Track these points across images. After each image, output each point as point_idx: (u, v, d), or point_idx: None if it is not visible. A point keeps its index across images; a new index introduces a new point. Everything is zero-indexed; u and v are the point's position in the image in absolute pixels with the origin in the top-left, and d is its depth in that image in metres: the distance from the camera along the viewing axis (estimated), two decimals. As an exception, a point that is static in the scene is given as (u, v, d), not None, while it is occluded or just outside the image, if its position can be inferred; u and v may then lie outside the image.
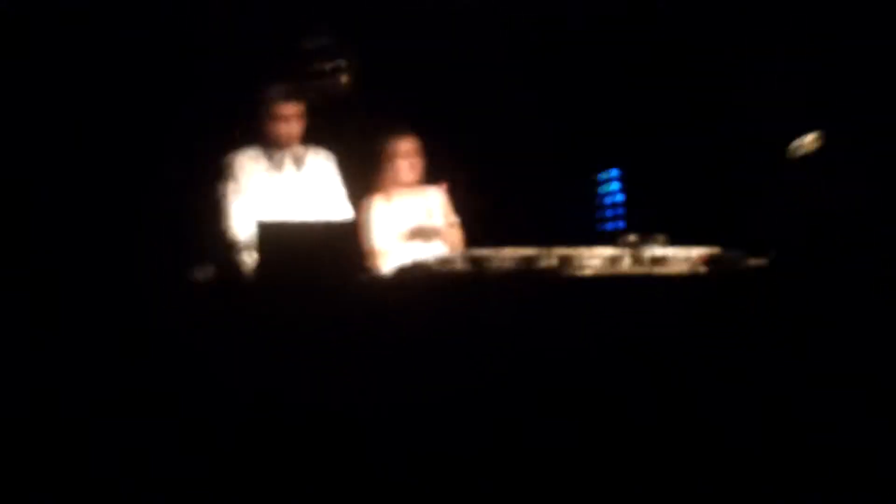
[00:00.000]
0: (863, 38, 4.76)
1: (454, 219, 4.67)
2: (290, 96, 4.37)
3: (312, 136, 4.50)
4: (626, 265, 3.68)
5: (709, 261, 3.65)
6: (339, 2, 4.89)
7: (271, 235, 3.54)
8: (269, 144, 4.39)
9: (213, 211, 4.30)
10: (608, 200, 5.68)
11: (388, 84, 5.19)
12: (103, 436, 3.27)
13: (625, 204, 5.62)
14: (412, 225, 4.59)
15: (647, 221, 4.69)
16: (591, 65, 5.47)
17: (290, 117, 4.35)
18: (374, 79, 5.06)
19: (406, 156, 4.58)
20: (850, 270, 3.67)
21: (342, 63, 4.88)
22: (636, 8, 5.35)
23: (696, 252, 3.70)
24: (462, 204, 4.73)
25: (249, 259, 4.02)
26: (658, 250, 3.70)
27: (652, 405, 3.43)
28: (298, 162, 4.45)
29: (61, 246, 4.26)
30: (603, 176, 5.74)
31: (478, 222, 4.71)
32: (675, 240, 3.83)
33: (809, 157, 4.93)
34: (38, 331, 3.34)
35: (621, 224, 5.57)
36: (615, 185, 5.65)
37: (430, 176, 4.69)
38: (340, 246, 3.57)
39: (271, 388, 3.27)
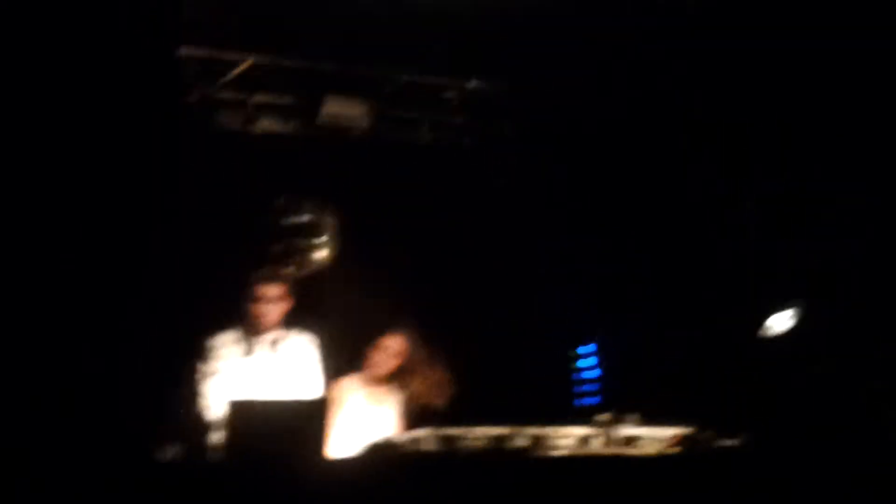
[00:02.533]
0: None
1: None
2: (271, 279, 4.46)
3: (296, 318, 4.56)
4: (599, 445, 3.66)
5: (682, 441, 3.63)
6: (319, 176, 4.98)
7: (241, 413, 3.52)
8: (249, 326, 4.44)
9: (188, 391, 4.31)
10: (585, 375, 5.68)
11: (369, 258, 5.26)
12: None
13: (601, 379, 5.62)
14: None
15: (623, 396, 4.69)
16: (568, 239, 5.55)
17: (270, 299, 4.41)
18: (355, 253, 5.11)
19: (384, 352, 4.75)
20: (825, 450, 3.67)
21: (323, 239, 4.94)
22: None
23: (669, 432, 3.69)
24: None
25: (219, 438, 3.99)
26: (630, 430, 3.69)
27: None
28: (274, 344, 4.47)
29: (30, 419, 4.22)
30: (580, 350, 5.77)
31: (454, 398, 4.71)
32: (651, 417, 3.82)
33: (783, 336, 4.99)
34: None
35: (597, 399, 5.56)
36: (592, 360, 5.66)
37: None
38: (309, 424, 3.54)
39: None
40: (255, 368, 4.42)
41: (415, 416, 4.75)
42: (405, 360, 4.77)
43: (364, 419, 4.70)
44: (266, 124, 4.58)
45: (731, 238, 5.40)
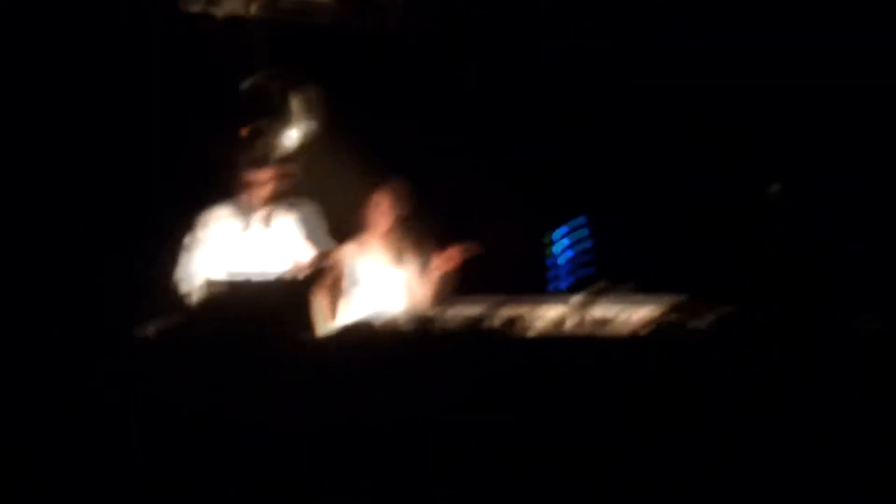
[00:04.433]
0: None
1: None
2: (258, 163, 4.48)
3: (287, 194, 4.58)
4: (570, 325, 3.69)
5: (651, 324, 3.65)
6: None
7: (216, 291, 3.57)
8: (241, 203, 4.49)
9: (177, 267, 4.38)
10: (562, 253, 5.66)
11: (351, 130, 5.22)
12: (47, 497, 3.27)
13: (595, 250, 5.61)
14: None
15: (619, 268, 4.69)
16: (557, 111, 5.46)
17: (259, 183, 4.46)
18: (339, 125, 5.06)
19: (378, 205, 4.73)
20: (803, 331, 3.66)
21: (299, 116, 4.88)
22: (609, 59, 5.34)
23: (641, 313, 3.70)
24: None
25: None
26: (602, 311, 3.71)
27: (596, 469, 3.42)
28: (267, 220, 4.52)
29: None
30: (553, 233, 5.73)
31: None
32: (645, 287, 3.84)
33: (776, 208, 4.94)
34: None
35: (581, 273, 5.56)
36: (584, 232, 5.64)
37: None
38: (285, 303, 3.58)
39: (211, 450, 3.26)
40: (250, 243, 4.47)
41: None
42: (398, 215, 4.74)
43: (374, 284, 4.69)
44: (229, 7, 4.50)
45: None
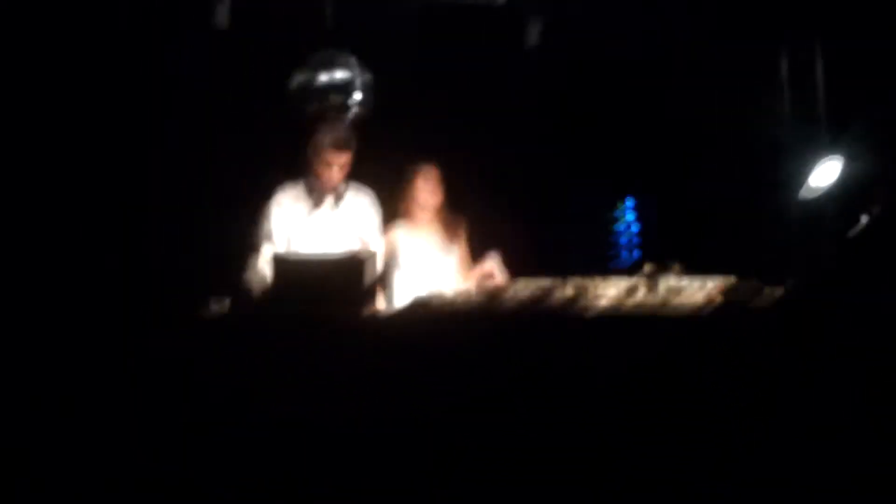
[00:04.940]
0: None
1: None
2: (340, 145, 4.48)
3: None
4: (642, 295, 3.64)
5: (725, 291, 3.61)
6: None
7: (283, 268, 3.55)
8: (312, 183, 4.53)
9: (248, 246, 4.41)
10: (623, 231, 5.64)
11: (405, 115, 5.21)
12: (113, 471, 3.24)
13: (640, 233, 5.59)
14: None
15: (663, 250, 4.66)
16: (608, 97, 5.45)
17: (335, 165, 4.47)
18: (392, 111, 5.05)
19: (427, 182, 4.68)
20: (871, 299, 3.62)
21: (357, 95, 4.86)
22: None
23: (712, 282, 3.66)
24: (481, 234, 4.75)
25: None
26: (673, 280, 3.66)
27: (668, 440, 3.38)
28: (338, 199, 4.56)
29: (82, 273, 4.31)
30: (619, 207, 5.72)
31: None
32: (691, 269, 3.81)
33: (827, 188, 4.92)
34: (47, 362, 3.32)
35: (637, 254, 5.53)
36: (631, 215, 5.62)
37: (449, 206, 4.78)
38: (350, 279, 3.55)
39: (280, 422, 3.23)
40: (319, 222, 4.52)
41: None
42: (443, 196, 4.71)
43: (425, 262, 4.68)
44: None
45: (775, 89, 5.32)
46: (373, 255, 3.90)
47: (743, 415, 3.38)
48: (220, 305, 4.09)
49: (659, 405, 3.39)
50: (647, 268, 3.72)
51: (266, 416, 3.25)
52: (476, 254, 4.68)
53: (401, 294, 4.52)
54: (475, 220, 4.79)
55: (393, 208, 4.74)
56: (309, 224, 4.51)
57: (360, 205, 4.63)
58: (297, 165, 4.54)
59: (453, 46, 5.24)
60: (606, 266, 5.56)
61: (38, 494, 3.14)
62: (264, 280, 4.15)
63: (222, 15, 4.57)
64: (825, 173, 4.84)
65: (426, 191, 4.68)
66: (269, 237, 4.44)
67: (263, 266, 4.28)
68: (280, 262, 3.61)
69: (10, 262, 4.26)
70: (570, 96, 5.41)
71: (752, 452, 3.35)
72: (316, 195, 4.54)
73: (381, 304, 4.23)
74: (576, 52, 5.27)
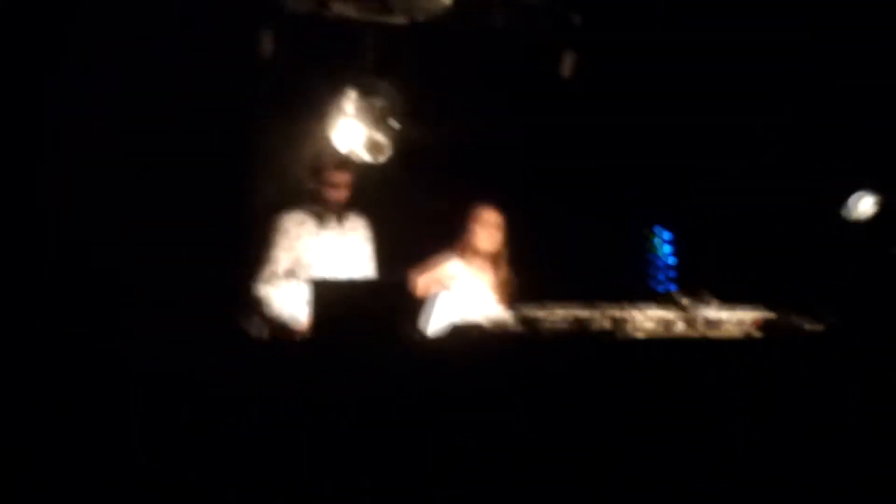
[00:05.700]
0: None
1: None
2: (343, 165, 4.51)
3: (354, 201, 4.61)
4: (680, 328, 3.67)
5: (764, 326, 3.63)
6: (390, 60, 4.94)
7: (325, 293, 3.55)
8: (317, 205, 4.52)
9: (257, 270, 4.42)
10: (660, 261, 5.64)
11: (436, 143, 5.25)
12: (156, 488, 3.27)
13: (676, 266, 5.58)
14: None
15: (699, 284, 4.67)
16: (641, 127, 5.47)
17: (340, 185, 4.48)
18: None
19: (486, 225, 4.59)
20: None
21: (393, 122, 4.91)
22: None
23: (751, 316, 3.68)
24: (519, 260, 4.75)
25: (299, 315, 4.14)
26: (712, 313, 3.69)
27: (706, 468, 3.40)
28: (341, 222, 4.56)
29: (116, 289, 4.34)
30: (656, 234, 5.70)
31: (531, 278, 4.71)
32: (726, 302, 3.82)
33: (865, 221, 4.93)
34: (86, 380, 3.35)
35: (672, 287, 5.52)
36: (667, 248, 5.62)
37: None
38: (394, 304, 3.59)
39: (321, 445, 3.26)
40: (325, 244, 4.50)
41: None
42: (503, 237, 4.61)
43: (473, 297, 4.55)
44: (340, 8, 4.54)
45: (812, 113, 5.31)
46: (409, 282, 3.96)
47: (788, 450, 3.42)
48: (258, 328, 4.18)
49: (696, 433, 3.43)
50: (683, 300, 3.74)
51: (312, 438, 3.26)
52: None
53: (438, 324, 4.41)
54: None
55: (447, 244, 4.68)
56: (317, 246, 4.49)
57: (360, 228, 4.63)
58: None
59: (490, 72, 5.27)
60: (639, 294, 5.56)
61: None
62: (280, 306, 4.27)
63: (267, 44, 4.64)
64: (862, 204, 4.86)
65: (484, 231, 4.59)
66: (275, 263, 4.43)
67: (273, 292, 4.36)
68: (321, 286, 3.60)
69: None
70: (602, 124, 5.42)
71: (774, 475, 3.39)
72: (319, 217, 4.52)
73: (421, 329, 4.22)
74: (609, 82, 5.28)
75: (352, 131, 4.69)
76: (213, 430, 3.27)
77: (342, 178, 4.48)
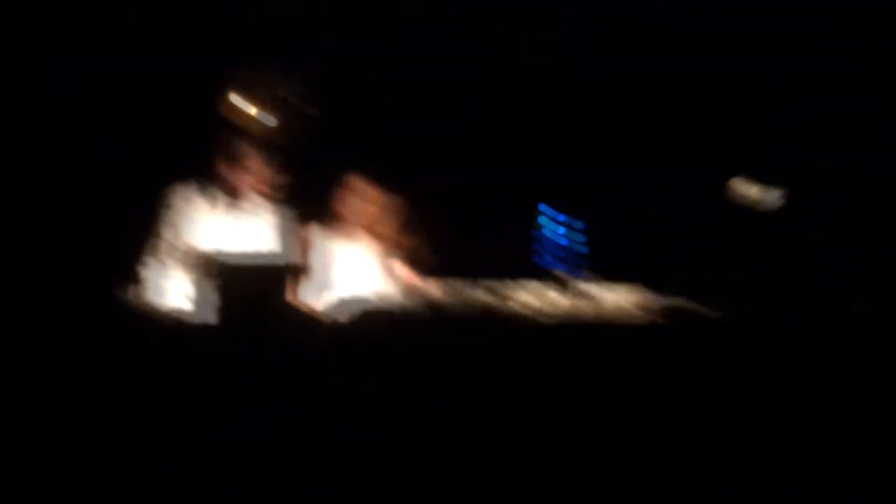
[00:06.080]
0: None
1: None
2: (249, 144, 4.50)
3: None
4: (559, 301, 3.77)
5: (655, 310, 3.74)
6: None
7: (230, 275, 3.60)
8: (215, 183, 4.46)
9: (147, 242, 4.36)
10: (550, 239, 5.59)
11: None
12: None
13: (566, 245, 5.55)
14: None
15: (589, 262, 4.64)
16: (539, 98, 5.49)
17: (247, 166, 4.45)
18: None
19: (361, 196, 4.68)
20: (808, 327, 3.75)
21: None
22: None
23: (635, 296, 3.78)
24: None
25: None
26: (594, 289, 3.76)
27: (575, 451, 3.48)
28: (238, 202, 4.49)
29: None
30: (545, 213, 5.65)
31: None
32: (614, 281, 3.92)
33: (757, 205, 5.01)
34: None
35: (559, 265, 5.52)
36: (560, 228, 5.60)
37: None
38: (271, 288, 3.64)
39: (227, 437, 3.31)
40: (226, 224, 4.46)
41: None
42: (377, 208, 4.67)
43: (347, 272, 4.62)
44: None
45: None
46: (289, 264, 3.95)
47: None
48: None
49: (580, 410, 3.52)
50: (559, 274, 3.79)
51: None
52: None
53: (315, 298, 4.47)
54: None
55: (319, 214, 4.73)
56: (216, 224, 4.40)
57: (262, 206, 4.55)
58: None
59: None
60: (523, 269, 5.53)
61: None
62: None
63: None
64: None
65: (358, 203, 4.67)
66: (173, 227, 4.35)
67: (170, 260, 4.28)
68: (227, 269, 3.63)
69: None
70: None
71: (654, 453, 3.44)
72: (218, 194, 4.43)
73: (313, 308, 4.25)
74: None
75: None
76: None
77: (251, 160, 4.45)
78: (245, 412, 3.29)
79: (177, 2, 4.89)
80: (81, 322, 3.39)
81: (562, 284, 3.82)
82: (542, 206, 5.43)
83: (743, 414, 3.49)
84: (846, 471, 3.37)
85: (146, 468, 3.18)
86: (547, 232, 5.51)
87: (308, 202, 4.72)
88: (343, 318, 3.77)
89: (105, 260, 4.56)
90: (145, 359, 3.31)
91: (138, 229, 4.41)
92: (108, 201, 4.91)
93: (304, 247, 4.60)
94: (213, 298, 3.45)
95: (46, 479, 3.13)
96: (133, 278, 4.30)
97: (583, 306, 3.76)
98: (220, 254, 4.12)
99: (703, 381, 3.53)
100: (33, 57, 4.42)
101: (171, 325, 3.94)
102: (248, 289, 3.53)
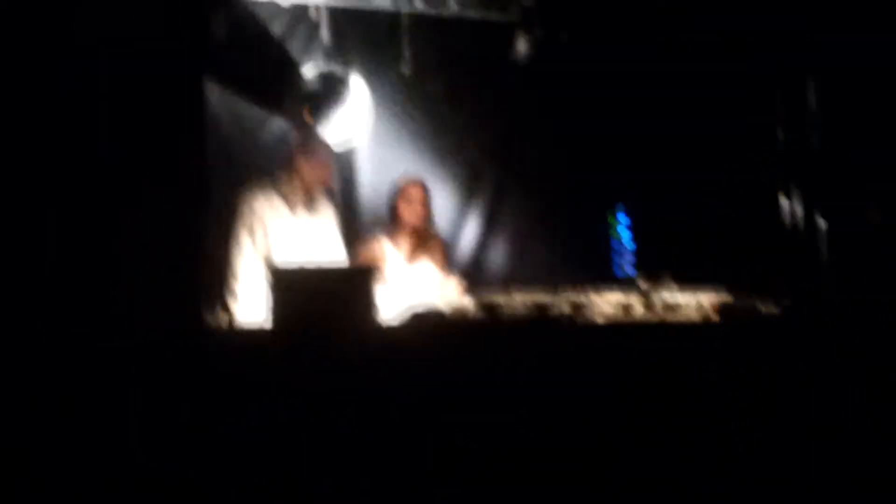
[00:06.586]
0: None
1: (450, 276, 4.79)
2: (314, 148, 4.49)
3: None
4: (639, 312, 3.69)
5: (721, 309, 3.66)
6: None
7: (284, 280, 3.48)
8: (286, 185, 4.44)
9: (224, 252, 4.36)
10: (620, 245, 5.64)
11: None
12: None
13: (636, 250, 5.57)
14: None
15: (658, 267, 4.68)
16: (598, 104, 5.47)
17: (312, 168, 4.45)
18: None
19: (411, 201, 4.73)
20: (866, 319, 3.67)
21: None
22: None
23: (709, 299, 3.71)
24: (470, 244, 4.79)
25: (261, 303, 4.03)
26: (670, 297, 3.71)
27: (665, 454, 3.42)
28: (311, 205, 4.51)
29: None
30: (615, 218, 5.70)
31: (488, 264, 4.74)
32: (685, 284, 3.85)
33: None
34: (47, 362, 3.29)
35: (629, 269, 5.53)
36: (626, 232, 5.62)
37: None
38: (357, 291, 3.54)
39: (285, 437, 3.23)
40: (298, 228, 4.46)
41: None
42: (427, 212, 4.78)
43: (406, 278, 4.69)
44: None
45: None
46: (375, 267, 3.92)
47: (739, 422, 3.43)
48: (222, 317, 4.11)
49: (659, 417, 3.44)
50: (642, 283, 3.77)
51: (273, 428, 3.23)
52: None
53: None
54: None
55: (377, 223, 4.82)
56: (285, 231, 4.41)
57: (330, 210, 4.62)
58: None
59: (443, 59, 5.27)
60: (600, 278, 5.58)
61: (39, 494, 3.11)
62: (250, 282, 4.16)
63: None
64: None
65: (407, 208, 4.74)
66: (249, 235, 4.36)
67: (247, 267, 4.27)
68: (280, 274, 3.53)
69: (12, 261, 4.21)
70: (560, 108, 5.43)
71: (749, 460, 3.41)
72: (290, 200, 4.45)
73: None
74: (566, 64, 5.29)
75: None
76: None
77: (329, 161, 4.48)
78: (295, 416, 3.23)
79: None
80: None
81: (637, 290, 3.73)
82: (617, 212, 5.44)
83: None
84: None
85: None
86: (620, 238, 5.50)
87: (369, 209, 4.72)
88: (406, 323, 3.69)
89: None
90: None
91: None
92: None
93: (368, 253, 4.68)
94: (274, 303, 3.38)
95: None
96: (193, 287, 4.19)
97: (658, 311, 3.66)
98: (283, 259, 4.24)
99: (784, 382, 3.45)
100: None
101: (230, 332, 3.92)
102: (312, 293, 3.42)
